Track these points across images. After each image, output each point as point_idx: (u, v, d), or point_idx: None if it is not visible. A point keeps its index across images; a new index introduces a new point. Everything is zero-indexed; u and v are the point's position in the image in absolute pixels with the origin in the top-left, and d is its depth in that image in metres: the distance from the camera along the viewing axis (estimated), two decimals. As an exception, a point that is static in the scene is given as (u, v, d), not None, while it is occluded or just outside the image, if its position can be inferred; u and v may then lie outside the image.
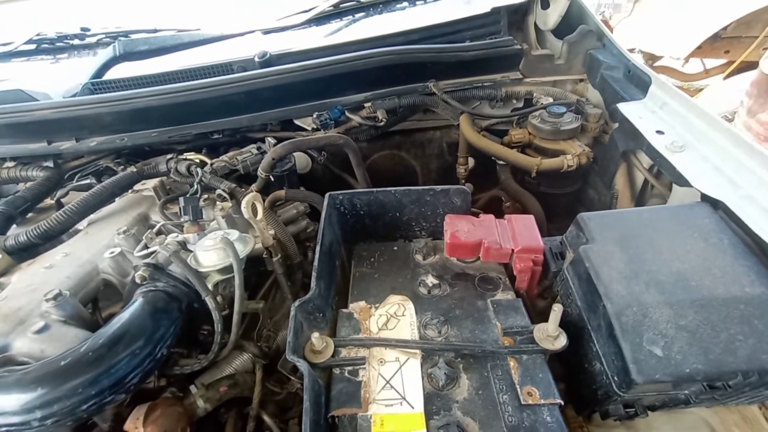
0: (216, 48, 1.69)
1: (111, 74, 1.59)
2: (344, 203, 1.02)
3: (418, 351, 0.77)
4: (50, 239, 1.12)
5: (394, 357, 0.76)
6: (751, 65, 3.31)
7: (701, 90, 4.07)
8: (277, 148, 1.24)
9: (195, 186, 1.22)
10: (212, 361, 0.94)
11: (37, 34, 1.86)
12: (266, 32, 1.76)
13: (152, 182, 1.34)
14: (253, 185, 1.26)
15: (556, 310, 0.73)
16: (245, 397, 0.98)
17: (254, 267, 1.12)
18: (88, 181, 1.44)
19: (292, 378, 1.02)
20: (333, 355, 0.75)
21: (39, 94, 1.47)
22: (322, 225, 0.91)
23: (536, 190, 1.51)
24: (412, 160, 1.82)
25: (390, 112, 1.53)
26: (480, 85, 1.55)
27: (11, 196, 1.28)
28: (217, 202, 1.17)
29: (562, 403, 0.69)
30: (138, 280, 0.91)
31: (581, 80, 1.58)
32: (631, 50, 4.06)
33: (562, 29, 1.52)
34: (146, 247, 1.00)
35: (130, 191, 1.34)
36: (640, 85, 1.26)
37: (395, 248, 1.05)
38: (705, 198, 0.87)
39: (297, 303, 0.74)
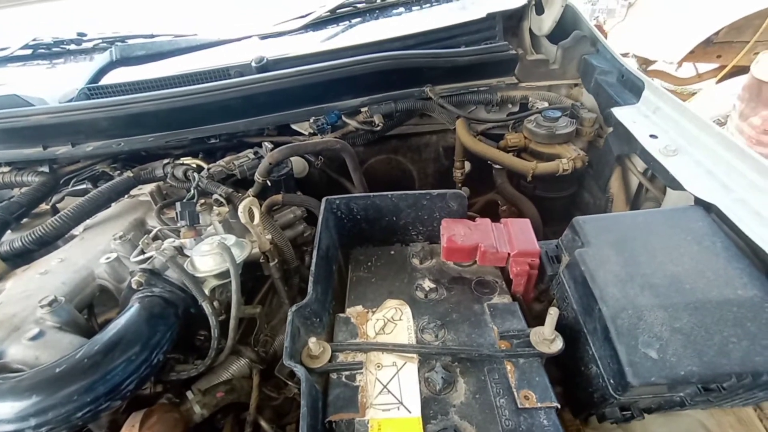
0: (213, 53, 1.70)
1: (107, 79, 1.60)
2: (341, 208, 1.02)
3: (415, 355, 0.77)
4: (45, 245, 1.12)
5: (391, 361, 0.76)
6: (742, 69, 3.35)
7: (695, 94, 4.12)
8: (274, 153, 1.25)
9: (192, 191, 1.22)
10: (209, 367, 0.94)
11: (34, 39, 1.86)
12: (263, 37, 1.77)
13: (149, 187, 1.34)
14: (250, 190, 1.26)
15: (552, 314, 0.73)
16: (242, 403, 0.98)
17: (251, 272, 1.11)
18: (84, 186, 1.43)
19: (290, 383, 1.01)
20: (330, 360, 0.75)
21: (35, 99, 1.47)
22: (319, 229, 0.91)
23: (532, 194, 1.52)
24: (409, 164, 1.83)
25: (386, 116, 1.53)
26: (476, 89, 1.56)
27: (6, 202, 1.28)
28: (214, 207, 1.17)
29: (559, 406, 0.69)
30: (134, 286, 0.90)
31: (576, 85, 1.59)
32: (625, 54, 4.11)
33: (556, 34, 1.54)
34: (143, 252, 0.99)
35: (126, 196, 1.33)
36: (633, 89, 1.28)
37: (392, 252, 1.05)
38: (698, 201, 0.88)
39: (294, 308, 0.74)
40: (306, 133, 1.52)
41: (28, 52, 1.85)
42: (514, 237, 0.91)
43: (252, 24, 1.85)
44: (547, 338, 0.75)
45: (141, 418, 0.82)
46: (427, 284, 0.92)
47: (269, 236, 1.08)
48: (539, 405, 0.68)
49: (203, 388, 0.95)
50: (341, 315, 0.87)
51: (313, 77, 1.40)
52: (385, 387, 0.72)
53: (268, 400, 1.02)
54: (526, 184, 1.51)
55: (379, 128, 1.52)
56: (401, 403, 0.70)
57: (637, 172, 1.23)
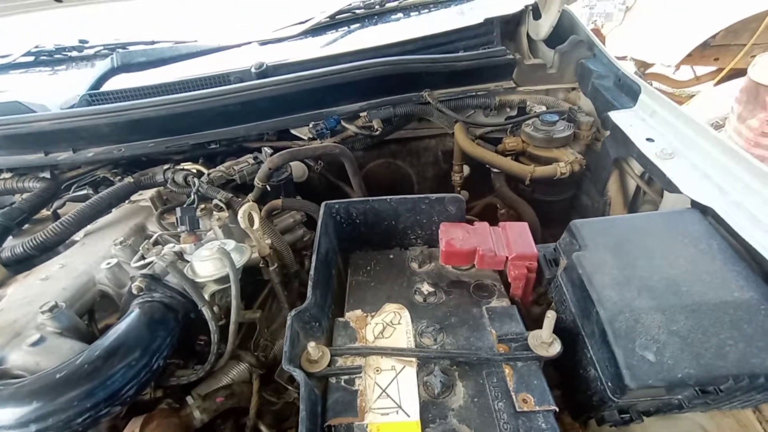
0: (213, 59, 1.71)
1: (109, 86, 1.61)
2: (340, 212, 1.03)
3: (413, 359, 0.77)
4: (46, 251, 1.12)
5: (390, 365, 0.76)
6: (740, 72, 3.37)
7: (693, 96, 4.13)
8: (274, 158, 1.26)
9: (192, 196, 1.23)
10: (209, 372, 0.94)
11: (36, 46, 1.88)
12: (263, 43, 1.78)
13: (149, 193, 1.34)
14: (250, 195, 1.27)
15: (550, 317, 0.74)
16: (242, 408, 0.98)
17: (251, 276, 1.12)
18: (84, 191, 1.44)
19: (289, 388, 1.01)
20: (329, 364, 0.75)
21: (36, 105, 1.48)
22: (319, 234, 0.92)
23: (530, 198, 1.52)
24: (408, 168, 1.83)
25: (385, 121, 1.54)
26: (474, 94, 1.57)
27: (7, 208, 1.28)
28: (214, 212, 1.18)
29: (557, 409, 0.69)
30: (135, 291, 0.91)
31: (573, 89, 1.60)
32: (623, 58, 4.13)
33: (553, 39, 1.55)
34: (143, 257, 1.00)
35: (126, 202, 1.34)
36: (630, 93, 1.28)
37: (391, 256, 1.05)
38: (695, 204, 0.89)
39: (293, 312, 0.75)
40: (305, 138, 1.53)
41: (30, 59, 1.86)
42: (513, 240, 0.91)
43: (251, 30, 1.87)
44: (545, 341, 0.76)
45: (141, 423, 0.82)
46: (426, 288, 0.92)
47: (269, 241, 1.09)
48: (537, 408, 0.68)
49: (203, 393, 0.95)
50: (340, 319, 0.87)
51: (313, 83, 1.41)
52: (384, 391, 0.72)
53: (268, 404, 1.02)
54: (524, 188, 1.52)
55: (378, 133, 1.53)
56: (400, 407, 0.70)
57: (635, 176, 1.24)
